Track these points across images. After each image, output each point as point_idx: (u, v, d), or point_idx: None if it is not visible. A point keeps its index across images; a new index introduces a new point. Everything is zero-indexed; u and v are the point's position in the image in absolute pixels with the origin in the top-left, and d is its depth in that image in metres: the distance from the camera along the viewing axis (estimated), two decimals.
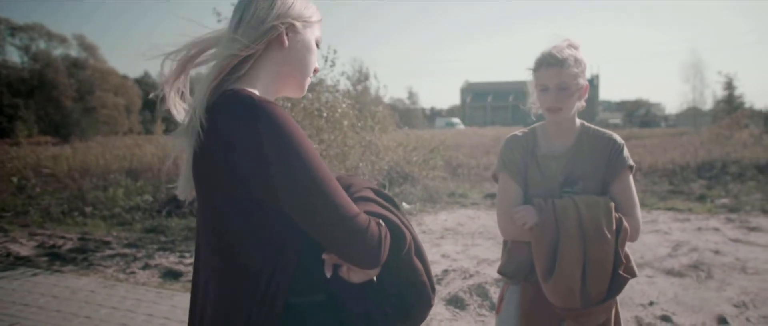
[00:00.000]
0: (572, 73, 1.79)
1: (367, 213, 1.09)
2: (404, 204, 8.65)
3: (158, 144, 13.29)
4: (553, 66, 1.78)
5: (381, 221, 1.08)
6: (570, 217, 1.72)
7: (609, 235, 1.71)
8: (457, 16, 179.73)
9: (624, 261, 1.74)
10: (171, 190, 9.21)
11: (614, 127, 50.82)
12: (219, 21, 7.13)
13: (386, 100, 9.51)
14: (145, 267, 5.33)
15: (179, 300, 4.33)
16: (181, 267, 5.19)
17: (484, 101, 76.22)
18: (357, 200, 1.11)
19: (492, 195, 9.53)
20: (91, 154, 13.45)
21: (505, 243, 2.00)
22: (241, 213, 1.05)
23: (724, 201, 8.52)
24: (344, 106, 7.99)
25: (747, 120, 16.37)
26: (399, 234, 1.11)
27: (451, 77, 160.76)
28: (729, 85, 20.06)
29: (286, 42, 1.15)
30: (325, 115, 7.39)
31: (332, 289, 1.11)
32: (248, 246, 1.06)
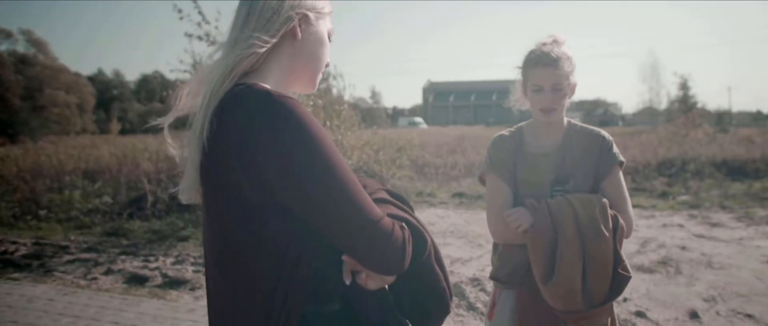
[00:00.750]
0: (565, 73, 1.76)
1: (389, 216, 1.01)
2: None
3: (117, 144, 12.79)
4: (548, 66, 1.74)
5: (404, 224, 1.01)
6: (566, 217, 1.68)
7: (607, 234, 1.67)
8: (420, 15, 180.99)
9: (623, 259, 1.71)
10: (131, 192, 8.94)
11: None
12: (180, 18, 6.94)
13: (349, 99, 9.44)
14: (108, 272, 5.09)
15: (147, 307, 4.14)
16: (147, 272, 4.97)
17: (446, 101, 76.97)
18: (375, 202, 1.02)
19: (460, 195, 9.56)
20: (44, 154, 12.85)
21: (495, 246, 1.94)
22: (253, 217, 0.96)
23: (685, 198, 8.79)
24: (312, 104, 7.87)
25: (701, 119, 17.08)
26: (420, 238, 1.04)
27: (413, 77, 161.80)
28: (684, 86, 20.86)
29: (299, 34, 1.08)
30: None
31: (348, 297, 1.03)
32: (260, 255, 0.97)
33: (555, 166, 1.82)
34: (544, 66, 1.74)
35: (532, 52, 1.80)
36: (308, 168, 0.92)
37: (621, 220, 1.72)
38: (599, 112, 66.95)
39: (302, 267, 0.97)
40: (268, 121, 0.92)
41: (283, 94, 0.96)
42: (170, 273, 4.91)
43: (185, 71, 7.20)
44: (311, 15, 1.09)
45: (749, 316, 3.89)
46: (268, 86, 1.02)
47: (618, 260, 1.68)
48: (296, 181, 0.92)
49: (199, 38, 6.89)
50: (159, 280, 4.78)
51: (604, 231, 1.66)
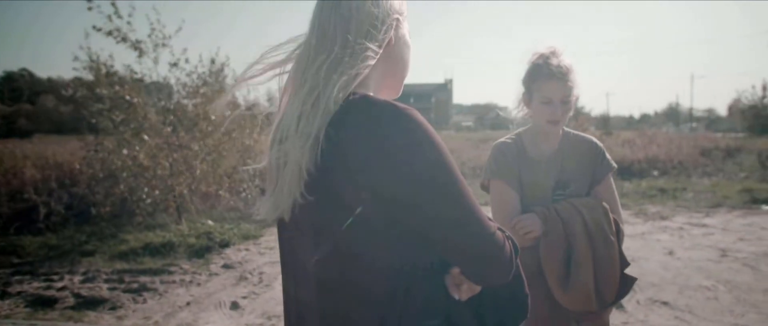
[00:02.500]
0: (573, 85, 1.80)
1: None
2: None
3: None
4: (560, 80, 1.77)
5: (509, 235, 0.99)
6: (577, 224, 1.73)
7: (612, 238, 1.75)
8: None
9: (628, 262, 1.78)
10: (16, 203, 7.98)
11: (467, 130, 54.70)
12: (89, 8, 6.34)
13: (241, 101, 9.11)
14: (3, 295, 4.48)
15: None
16: (53, 293, 4.44)
17: None
18: None
19: None
20: None
21: None
22: (371, 236, 0.90)
23: None
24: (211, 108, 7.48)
25: (587, 123, 18.60)
26: (516, 246, 1.01)
27: None
28: None
29: (393, 39, 1.03)
30: (213, 117, 6.87)
31: (447, 311, 0.98)
32: (376, 277, 0.91)
33: (556, 171, 1.87)
34: (557, 80, 1.77)
35: (540, 66, 1.81)
36: (440, 180, 0.89)
37: (620, 224, 1.80)
38: (491, 115, 70.44)
39: (415, 288, 0.93)
40: (401, 134, 0.88)
41: (405, 106, 0.92)
42: (83, 292, 4.43)
43: (86, 68, 6.58)
44: (400, 18, 1.04)
45: (665, 303, 4.25)
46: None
47: (624, 262, 1.77)
48: (427, 194, 0.88)
49: (109, 34, 6.31)
50: (71, 301, 4.29)
51: (610, 235, 1.74)
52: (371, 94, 0.98)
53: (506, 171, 1.84)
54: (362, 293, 0.92)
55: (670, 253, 5.70)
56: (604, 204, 1.79)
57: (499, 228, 0.98)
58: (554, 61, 1.79)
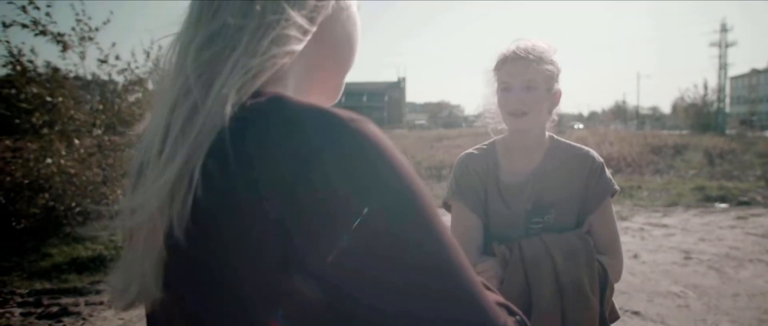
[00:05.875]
0: (543, 70, 1.41)
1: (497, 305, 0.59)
2: None
3: None
4: (519, 60, 1.40)
5: (520, 316, 0.61)
6: (543, 273, 1.32)
7: (592, 298, 1.33)
8: None
9: None
10: None
11: (421, 128, 54.64)
12: None
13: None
14: None
15: None
16: None
17: None
18: None
19: None
20: None
21: None
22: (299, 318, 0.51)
23: None
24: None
25: None
26: None
27: None
28: None
29: (330, 9, 0.64)
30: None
31: None
32: None
33: (534, 193, 1.46)
34: (514, 60, 1.40)
35: (504, 52, 1.45)
36: (408, 239, 0.50)
37: (610, 275, 1.39)
38: (444, 113, 71.01)
39: None
40: (342, 160, 0.50)
41: (349, 113, 0.54)
42: None
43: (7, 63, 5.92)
44: None
45: (636, 313, 4.03)
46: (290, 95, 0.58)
47: None
48: (387, 263, 0.49)
49: (24, 26, 5.67)
50: None
51: (589, 294, 1.32)
52: (290, 94, 0.59)
53: (468, 192, 1.47)
54: None
55: (635, 256, 5.54)
56: (592, 251, 1.37)
57: (509, 309, 0.60)
58: (522, 44, 1.43)
